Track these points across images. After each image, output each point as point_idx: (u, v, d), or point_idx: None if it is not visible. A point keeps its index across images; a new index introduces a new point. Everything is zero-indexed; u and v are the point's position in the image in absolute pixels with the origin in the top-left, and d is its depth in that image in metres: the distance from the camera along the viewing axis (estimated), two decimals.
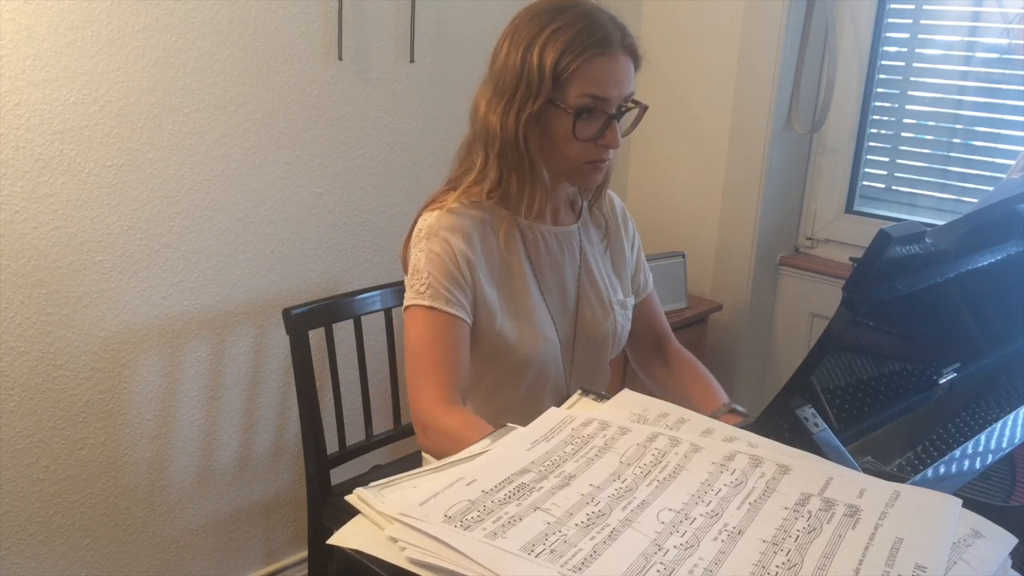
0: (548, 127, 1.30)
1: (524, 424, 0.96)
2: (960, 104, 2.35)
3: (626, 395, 1.06)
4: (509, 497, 0.80)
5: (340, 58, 2.01)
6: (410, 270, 1.34)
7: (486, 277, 1.34)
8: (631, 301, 1.52)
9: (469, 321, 1.32)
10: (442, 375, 1.27)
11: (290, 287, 2.08)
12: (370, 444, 1.97)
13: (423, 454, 1.53)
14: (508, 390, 1.40)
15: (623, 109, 1.31)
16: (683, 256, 2.54)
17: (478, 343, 1.36)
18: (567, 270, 1.43)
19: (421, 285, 1.30)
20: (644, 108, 1.36)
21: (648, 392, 1.14)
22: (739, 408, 1.37)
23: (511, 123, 1.28)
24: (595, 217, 1.50)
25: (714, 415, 1.38)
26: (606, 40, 1.26)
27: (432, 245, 1.31)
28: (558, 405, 1.04)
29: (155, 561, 2.00)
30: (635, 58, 1.31)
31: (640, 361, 1.61)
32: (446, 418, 1.24)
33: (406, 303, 1.33)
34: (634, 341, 1.56)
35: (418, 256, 1.32)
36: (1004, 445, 1.16)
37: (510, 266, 1.37)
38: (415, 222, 1.37)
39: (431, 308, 1.29)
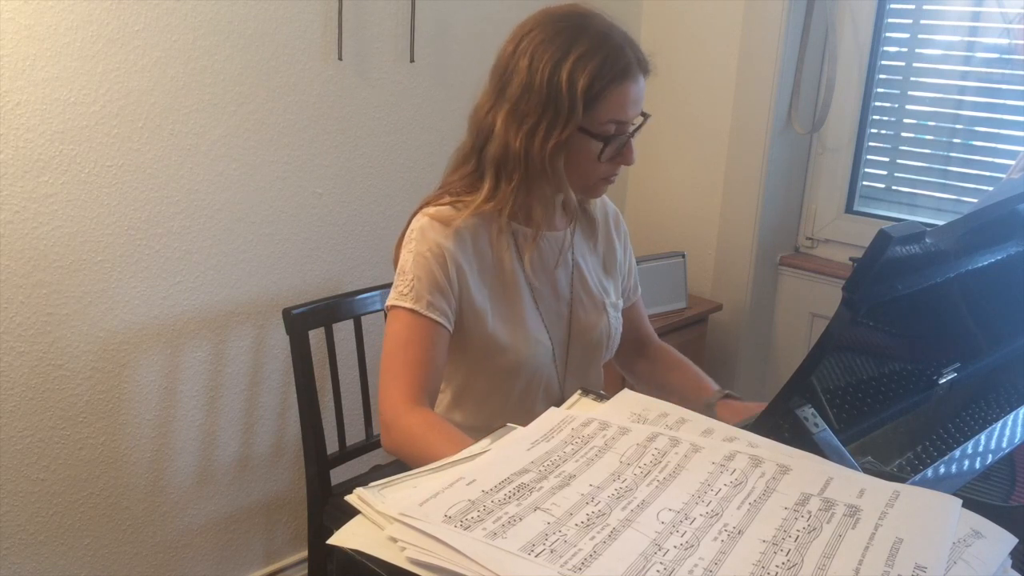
0: (573, 151, 1.31)
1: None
2: (960, 104, 2.35)
3: (626, 395, 1.06)
4: (509, 497, 0.80)
5: (340, 58, 2.01)
6: (397, 270, 1.34)
7: (477, 281, 1.34)
8: (621, 304, 1.53)
9: (449, 328, 1.32)
10: (412, 376, 1.27)
11: (290, 287, 2.08)
12: (370, 444, 1.97)
13: None
14: (500, 395, 1.40)
15: (638, 126, 1.35)
16: (683, 256, 2.53)
17: (469, 348, 1.36)
18: (560, 274, 1.43)
19: (405, 287, 1.30)
20: (647, 117, 1.38)
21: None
22: (733, 393, 1.38)
23: (536, 149, 1.28)
24: (585, 215, 1.50)
25: (708, 403, 1.39)
26: (629, 66, 1.28)
27: (421, 248, 1.31)
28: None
29: (155, 561, 2.00)
30: (647, 73, 1.34)
31: (623, 362, 1.62)
32: (408, 416, 1.24)
33: (388, 302, 1.33)
34: (619, 345, 1.57)
35: (406, 257, 1.32)
36: (1004, 445, 1.16)
37: (502, 270, 1.37)
38: (408, 223, 1.37)
39: (412, 311, 1.29)
